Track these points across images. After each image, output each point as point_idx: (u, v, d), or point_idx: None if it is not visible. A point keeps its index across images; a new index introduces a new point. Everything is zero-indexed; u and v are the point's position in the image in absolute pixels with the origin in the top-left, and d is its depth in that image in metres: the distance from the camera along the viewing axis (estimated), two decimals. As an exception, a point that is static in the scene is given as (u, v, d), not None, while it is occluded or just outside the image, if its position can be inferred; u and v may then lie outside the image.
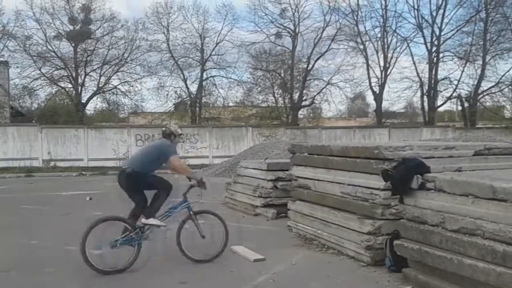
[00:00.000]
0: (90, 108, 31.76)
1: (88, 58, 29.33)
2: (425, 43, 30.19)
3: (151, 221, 5.56)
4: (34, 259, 6.02)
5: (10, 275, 5.30)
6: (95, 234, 5.12)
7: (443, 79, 30.65)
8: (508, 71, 30.11)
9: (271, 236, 7.05)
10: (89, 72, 29.70)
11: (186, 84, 30.92)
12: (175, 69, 30.60)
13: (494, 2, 29.12)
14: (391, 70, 30.51)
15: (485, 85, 30.29)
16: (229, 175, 14.67)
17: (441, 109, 32.51)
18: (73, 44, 29.06)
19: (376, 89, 30.65)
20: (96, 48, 29.56)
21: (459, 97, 30.88)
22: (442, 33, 29.95)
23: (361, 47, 30.36)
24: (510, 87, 30.19)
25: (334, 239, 6.02)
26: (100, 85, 29.86)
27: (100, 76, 29.75)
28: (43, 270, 5.44)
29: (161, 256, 5.81)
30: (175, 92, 31.26)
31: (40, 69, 28.42)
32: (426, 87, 30.26)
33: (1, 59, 27.50)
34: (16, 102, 29.89)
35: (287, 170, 8.31)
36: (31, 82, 28.77)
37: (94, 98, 30.50)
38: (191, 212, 5.78)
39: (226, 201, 10.23)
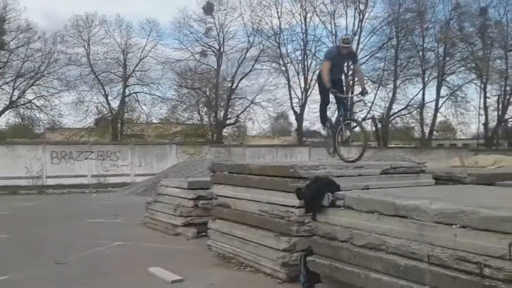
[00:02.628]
0: (1, 123, 29.74)
1: (1, 70, 27.54)
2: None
3: None
4: None
5: None
6: None
7: (358, 101, 32.46)
8: (416, 94, 32.69)
9: (191, 256, 7.00)
10: (1, 85, 27.89)
11: (107, 100, 30.04)
12: (96, 84, 29.66)
13: (404, 30, 31.53)
14: (311, 91, 31.82)
15: (396, 107, 32.57)
16: (151, 194, 14.36)
17: (357, 129, 34.25)
18: (-17, 55, 27.20)
19: (297, 109, 31.75)
20: (9, 60, 27.87)
21: (373, 118, 32.82)
22: (358, 58, 31.74)
23: (283, 68, 31.43)
24: (418, 109, 32.65)
25: (252, 257, 6.10)
26: (13, 99, 28.08)
27: (14, 89, 28.05)
28: None
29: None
30: (96, 107, 30.24)
31: None
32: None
33: None
34: None
35: (208, 189, 8.31)
36: None
37: (6, 112, 28.60)
38: None
39: (146, 221, 9.99)
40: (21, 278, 5.91)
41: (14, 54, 28.00)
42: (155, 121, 32.11)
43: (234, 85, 31.09)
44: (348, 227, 4.49)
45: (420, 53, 32.16)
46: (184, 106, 31.92)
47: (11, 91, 28.05)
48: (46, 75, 28.54)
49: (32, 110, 29.02)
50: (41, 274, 6.04)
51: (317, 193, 4.86)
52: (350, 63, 8.55)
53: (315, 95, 32.14)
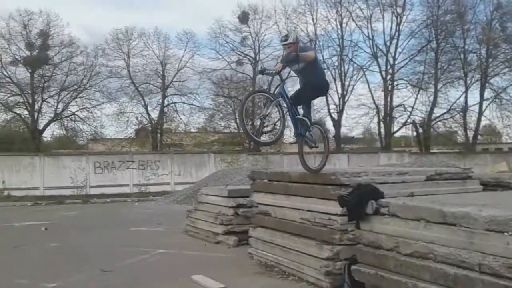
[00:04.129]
0: (47, 135, 30.93)
1: (46, 84, 28.73)
2: (380, 72, 31.40)
3: None
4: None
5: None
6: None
7: (398, 106, 31.84)
8: (458, 98, 31.70)
9: (232, 264, 7.01)
10: (46, 98, 29.06)
11: (147, 110, 30.73)
12: (136, 95, 30.42)
13: (443, 33, 30.75)
14: (348, 97, 31.47)
15: (437, 111, 31.68)
16: (191, 202, 14.54)
17: (397, 134, 33.64)
18: (30, 70, 28.41)
19: (335, 115, 31.44)
20: (54, 74, 29.03)
21: (413, 123, 32.08)
22: (396, 62, 31.23)
23: (320, 74, 31.18)
24: (461, 113, 31.66)
25: (294, 266, 6.06)
26: (57, 112, 29.20)
27: (58, 102, 29.18)
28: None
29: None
30: (136, 118, 30.99)
31: (-6, 96, 27.56)
32: (382, 114, 31.28)
33: None
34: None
35: (248, 197, 8.34)
36: (-17, 108, 27.82)
37: (52, 124, 29.77)
38: None
39: (187, 229, 10.11)
40: (68, 285, 6.09)
41: (58, 68, 29.14)
42: (193, 130, 32.60)
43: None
44: (394, 235, 4.39)
45: (462, 55, 31.22)
46: (221, 115, 32.26)
47: (55, 104, 29.19)
48: (89, 88, 29.54)
49: (76, 122, 30.08)
50: (87, 282, 6.20)
51: (360, 201, 4.79)
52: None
53: (352, 101, 31.84)
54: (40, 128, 28.85)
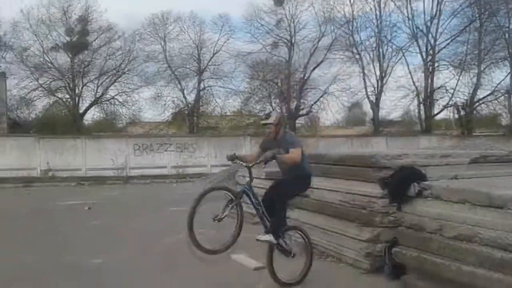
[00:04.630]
0: (87, 118, 31.82)
1: (85, 69, 29.43)
2: (420, 53, 30.45)
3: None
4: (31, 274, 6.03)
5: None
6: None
7: (438, 87, 30.87)
8: (503, 79, 30.41)
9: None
10: (86, 83, 29.80)
11: (183, 94, 31.06)
12: (172, 79, 30.75)
13: (487, 12, 29.44)
14: (387, 79, 30.74)
15: (481, 93, 30.51)
16: (228, 184, 14.70)
17: (438, 117, 32.66)
18: (70, 55, 29.17)
19: (373, 98, 30.85)
20: (93, 59, 29.67)
21: (455, 105, 31.06)
22: (437, 43, 30.20)
23: (357, 56, 30.60)
24: (505, 95, 30.44)
25: (333, 247, 6.07)
26: (97, 96, 29.96)
27: (98, 86, 29.86)
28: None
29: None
30: (173, 102, 31.37)
31: (37, 80, 28.50)
32: (422, 96, 30.46)
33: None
34: (14, 113, 29.88)
35: (285, 179, 8.33)
36: (28, 93, 28.83)
37: (92, 108, 30.59)
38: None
39: (225, 210, 10.23)
40: (113, 262, 6.34)
41: (97, 53, 29.74)
42: (228, 113, 32.76)
43: (306, 75, 30.85)
44: (437, 218, 4.33)
45: (506, 35, 29.84)
46: (256, 98, 32.22)
47: (95, 88, 29.92)
48: (127, 72, 30.05)
49: (115, 106, 30.78)
50: (130, 259, 6.42)
51: (402, 183, 4.73)
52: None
53: (391, 83, 31.12)
54: (81, 111, 29.71)
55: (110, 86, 30.05)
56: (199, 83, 30.84)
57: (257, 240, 4.93)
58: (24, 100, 29.50)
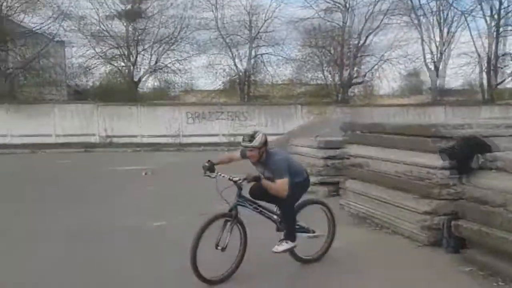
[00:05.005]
0: (143, 86, 32.56)
1: (140, 37, 29.92)
2: (485, 17, 28.52)
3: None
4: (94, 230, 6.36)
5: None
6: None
7: (503, 55, 29.00)
8: None
9: (324, 214, 7.03)
10: (141, 51, 30.33)
11: (234, 62, 30.99)
12: (224, 47, 30.71)
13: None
14: (447, 46, 29.17)
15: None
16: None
17: (501, 86, 30.81)
18: (125, 24, 29.73)
19: (432, 65, 29.48)
20: (147, 27, 30.08)
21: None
22: (503, 6, 28.20)
23: (416, 22, 29.15)
24: None
25: (389, 219, 5.96)
26: (152, 64, 30.53)
27: (151, 55, 30.36)
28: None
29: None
30: (224, 70, 31.45)
31: (94, 48, 29.35)
32: (486, 64, 28.76)
33: (58, 39, 28.57)
34: (73, 80, 31.10)
35: (339, 148, 8.25)
36: (87, 61, 29.79)
37: (147, 76, 31.25)
38: None
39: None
40: (175, 224, 6.58)
41: (151, 21, 30.11)
42: (280, 82, 32.46)
43: (361, 42, 29.84)
44: (502, 191, 4.12)
45: None
46: (308, 66, 31.64)
47: (149, 57, 30.46)
48: (180, 40, 30.29)
49: (169, 74, 31.27)
50: (188, 223, 6.55)
51: (465, 154, 4.52)
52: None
53: (452, 49, 29.53)
54: (136, 79, 30.45)
55: (163, 54, 30.48)
56: (250, 51, 30.62)
57: (275, 252, 4.54)
58: (83, 68, 30.60)
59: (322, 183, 8.55)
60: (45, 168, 14.65)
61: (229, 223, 4.29)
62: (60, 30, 28.11)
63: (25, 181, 11.36)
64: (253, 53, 30.75)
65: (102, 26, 29.30)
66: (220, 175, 4.52)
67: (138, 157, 17.92)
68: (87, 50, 29.25)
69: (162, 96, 32.14)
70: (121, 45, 29.60)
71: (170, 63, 30.70)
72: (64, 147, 21.00)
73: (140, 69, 30.72)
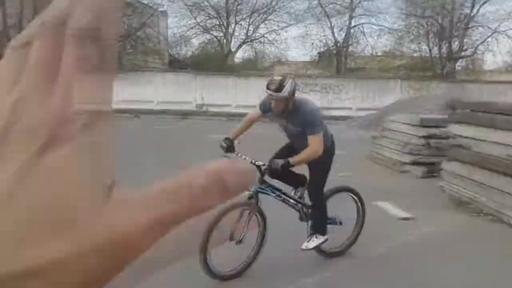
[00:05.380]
0: (238, 56, 33.07)
1: (238, 7, 30.19)
2: None
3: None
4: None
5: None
6: None
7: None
8: None
9: (420, 196, 6.64)
10: (239, 21, 30.67)
11: (332, 32, 30.14)
12: (323, 17, 29.93)
13: None
14: None
15: None
16: (374, 128, 14.16)
17: None
18: (225, -7, 30.14)
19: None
20: (246, -3, 30.23)
21: None
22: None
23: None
24: None
25: (494, 205, 5.44)
26: (249, 34, 30.75)
27: (249, 24, 30.57)
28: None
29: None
30: (320, 40, 30.76)
31: (195, 19, 30.20)
32: None
33: (161, 9, 29.79)
34: (173, 49, 32.42)
35: (441, 127, 7.67)
36: (187, 31, 30.81)
37: (240, 46, 31.60)
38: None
39: (371, 155, 9.91)
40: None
41: (249, -10, 30.23)
42: (379, 54, 31.05)
43: (474, 11, 27.35)
44: None
45: None
46: (411, 37, 29.81)
47: (247, 27, 30.70)
48: (277, 10, 30.09)
49: (264, 44, 31.34)
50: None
51: None
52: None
53: None
54: (233, 50, 30.93)
55: (260, 24, 30.55)
56: (350, 20, 29.55)
57: (304, 250, 4.03)
58: (183, 37, 31.73)
59: (416, 163, 8.04)
60: (145, 133, 15.56)
61: (247, 212, 3.64)
62: (164, 0, 29.35)
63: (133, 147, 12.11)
64: (352, 23, 29.65)
65: (203, -4, 30.02)
66: (240, 156, 3.90)
67: (232, 127, 18.25)
68: (188, 20, 30.26)
69: (254, 67, 32.43)
70: (220, 15, 30.11)
71: (266, 33, 30.74)
72: (163, 114, 22.08)
73: (237, 39, 31.18)
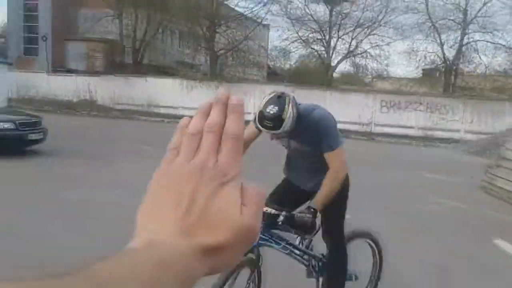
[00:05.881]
0: (337, 71, 32.45)
1: (342, 21, 29.65)
2: None
3: None
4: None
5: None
6: None
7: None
8: None
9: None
10: (342, 35, 30.09)
11: (442, 49, 28.33)
12: (432, 32, 28.30)
13: None
14: None
15: None
16: (487, 155, 12.86)
17: None
18: (329, 7, 29.74)
19: None
20: (350, 11, 29.60)
21: None
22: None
23: None
24: None
25: None
26: (351, 49, 30.04)
27: (352, 39, 29.86)
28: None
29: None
30: (428, 57, 29.08)
31: (297, 32, 30.18)
32: None
33: (265, 22, 30.23)
34: (272, 62, 32.70)
35: None
36: (288, 44, 30.89)
37: (341, 60, 30.96)
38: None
39: (483, 185, 8.89)
40: (361, 219, 6.07)
41: (354, 5, 29.50)
42: (493, 73, 28.56)
43: None
44: None
45: None
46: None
47: (349, 41, 29.98)
48: (383, 25, 29.03)
49: (366, 59, 30.39)
50: (375, 219, 5.98)
51: None
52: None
53: None
54: (333, 64, 30.40)
55: (364, 39, 29.71)
56: (462, 37, 27.58)
57: None
58: (283, 51, 31.88)
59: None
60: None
61: (249, 274, 2.73)
62: (268, 14, 29.77)
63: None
64: (465, 40, 27.68)
65: (306, 10, 29.95)
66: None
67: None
68: (290, 34, 30.36)
69: (354, 82, 31.54)
70: (323, 29, 29.82)
71: (370, 48, 29.81)
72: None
73: (338, 53, 30.62)
